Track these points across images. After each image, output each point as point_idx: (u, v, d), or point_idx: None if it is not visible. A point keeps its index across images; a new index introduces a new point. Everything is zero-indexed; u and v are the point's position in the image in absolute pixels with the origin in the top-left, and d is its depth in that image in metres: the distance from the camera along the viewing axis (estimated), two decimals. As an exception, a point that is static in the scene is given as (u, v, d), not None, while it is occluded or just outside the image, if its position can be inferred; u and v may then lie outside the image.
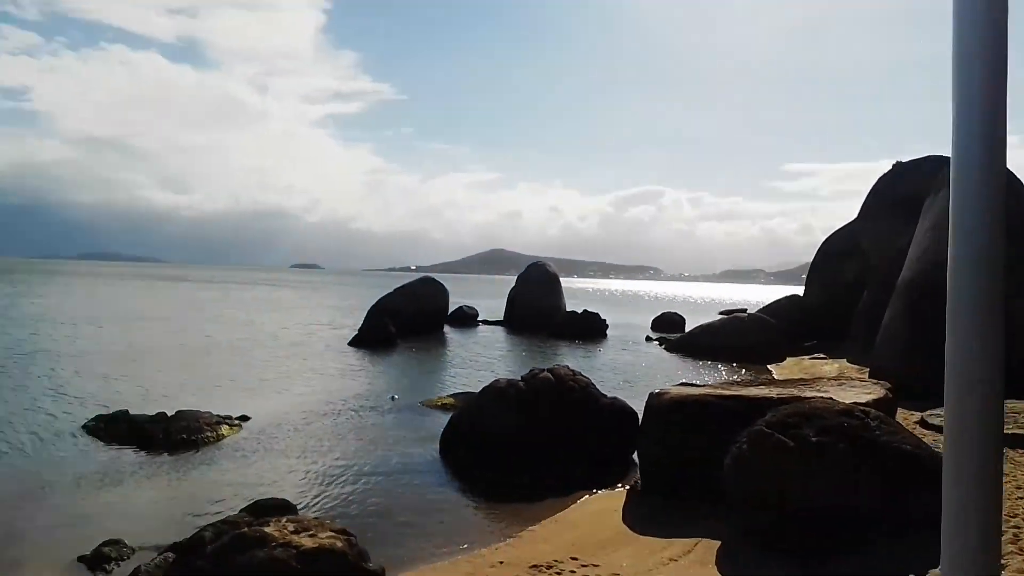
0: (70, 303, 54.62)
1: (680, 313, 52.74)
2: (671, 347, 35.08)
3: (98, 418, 14.90)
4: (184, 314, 48.33)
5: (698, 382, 18.81)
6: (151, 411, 15.11)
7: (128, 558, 8.38)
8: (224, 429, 14.68)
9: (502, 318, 47.73)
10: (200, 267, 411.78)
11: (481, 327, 45.62)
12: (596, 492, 11.42)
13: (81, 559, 8.31)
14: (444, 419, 15.52)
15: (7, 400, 17.27)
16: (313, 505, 10.49)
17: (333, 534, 7.32)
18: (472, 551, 8.81)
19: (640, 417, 12.11)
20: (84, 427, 14.60)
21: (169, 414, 14.76)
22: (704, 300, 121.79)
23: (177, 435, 13.88)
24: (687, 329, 42.44)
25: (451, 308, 45.08)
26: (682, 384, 15.77)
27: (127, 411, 15.10)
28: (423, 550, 8.89)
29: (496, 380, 14.44)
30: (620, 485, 11.75)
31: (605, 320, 42.39)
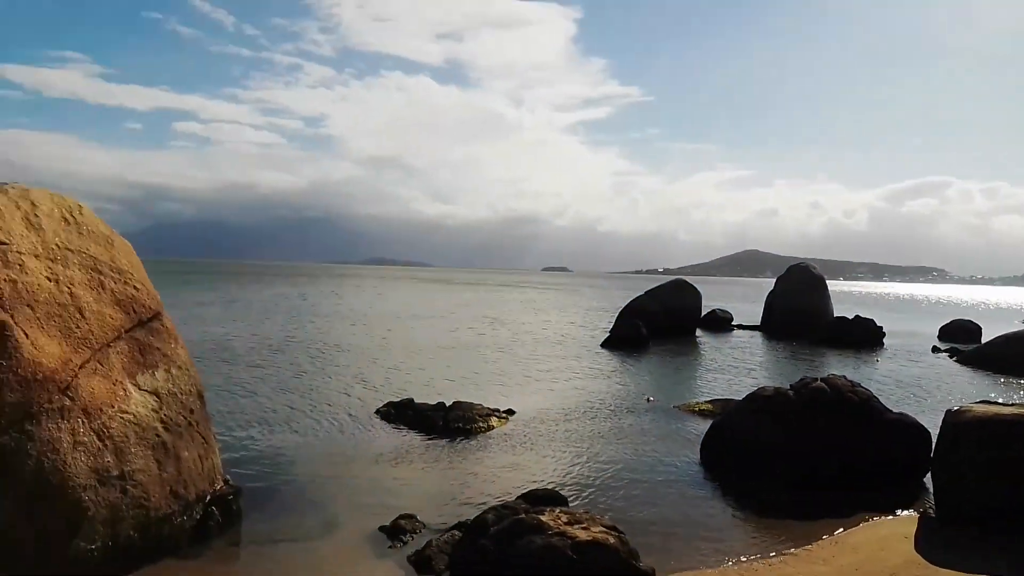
0: (360, 302, 62.50)
1: (974, 321, 45.92)
2: (964, 359, 30.73)
3: (389, 404, 16.84)
4: (454, 313, 52.73)
5: (1005, 400, 16.27)
6: (432, 400, 16.77)
7: (420, 532, 9.30)
8: (494, 420, 15.81)
9: (759, 323, 45.27)
10: (462, 270, 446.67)
11: (736, 332, 43.68)
12: (879, 515, 10.39)
13: (382, 529, 9.35)
14: (701, 424, 15.17)
15: (326, 386, 20.15)
16: (580, 499, 10.82)
17: (604, 529, 7.53)
18: (743, 564, 8.50)
19: (934, 436, 10.84)
20: (377, 411, 16.60)
21: (447, 404, 16.29)
22: (1004, 306, 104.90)
23: (454, 423, 15.26)
24: (984, 339, 36.93)
25: (703, 311, 43.80)
26: (984, 401, 13.76)
27: (412, 399, 16.91)
28: (689, 557, 8.76)
29: (762, 388, 13.77)
30: (908, 509, 10.60)
31: (881, 327, 38.25)
